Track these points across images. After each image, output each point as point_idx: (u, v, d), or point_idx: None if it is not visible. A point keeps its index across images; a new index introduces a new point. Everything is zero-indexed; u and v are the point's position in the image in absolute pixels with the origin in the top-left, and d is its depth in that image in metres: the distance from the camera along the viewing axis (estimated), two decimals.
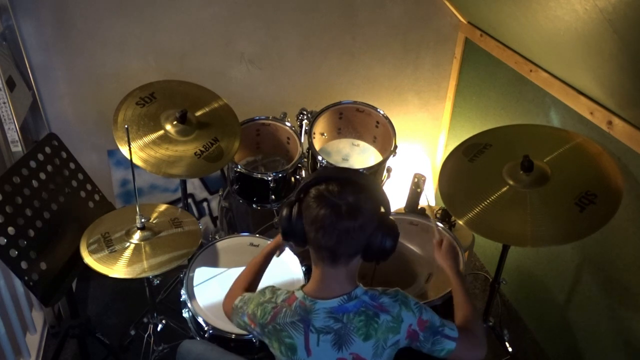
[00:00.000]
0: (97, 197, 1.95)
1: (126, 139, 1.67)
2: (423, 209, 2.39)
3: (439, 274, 1.95)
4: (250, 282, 1.48)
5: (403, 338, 1.21)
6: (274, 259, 1.96)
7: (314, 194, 1.17)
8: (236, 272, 1.87)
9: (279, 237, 1.57)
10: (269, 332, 1.23)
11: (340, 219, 1.13)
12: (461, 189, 1.76)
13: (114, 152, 2.57)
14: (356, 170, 1.29)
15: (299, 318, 1.20)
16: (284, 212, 1.24)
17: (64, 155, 1.87)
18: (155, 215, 1.81)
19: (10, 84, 2.03)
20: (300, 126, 2.31)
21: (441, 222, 2.05)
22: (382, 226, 1.19)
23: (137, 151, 1.89)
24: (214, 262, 1.92)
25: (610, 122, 1.77)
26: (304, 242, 1.23)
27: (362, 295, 1.21)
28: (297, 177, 2.28)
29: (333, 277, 1.21)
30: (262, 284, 1.81)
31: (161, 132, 1.98)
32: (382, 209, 1.23)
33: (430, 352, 1.24)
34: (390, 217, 1.24)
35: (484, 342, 1.29)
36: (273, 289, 1.30)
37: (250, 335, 1.65)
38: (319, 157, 2.18)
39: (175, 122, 2.00)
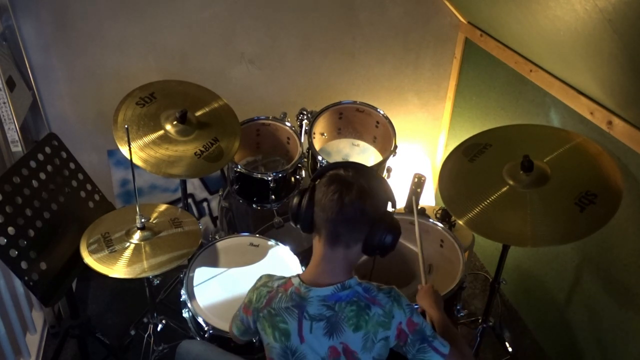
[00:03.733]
0: (97, 197, 1.95)
1: (126, 139, 1.67)
2: (423, 209, 2.39)
3: (440, 267, 1.96)
4: None
5: (393, 336, 1.21)
6: (273, 258, 1.96)
7: (330, 174, 1.22)
8: (236, 272, 1.88)
9: None
10: (263, 316, 1.25)
11: (348, 194, 1.17)
12: (461, 189, 1.76)
13: (114, 152, 2.57)
14: (373, 168, 1.34)
15: (294, 304, 1.21)
16: (297, 196, 1.27)
17: (64, 155, 1.87)
18: (155, 215, 1.81)
19: (10, 84, 2.03)
20: (300, 126, 2.31)
21: (441, 222, 2.05)
22: (386, 221, 1.22)
23: (137, 151, 1.89)
24: (214, 262, 1.92)
25: (610, 122, 1.77)
26: (310, 226, 1.25)
27: (355, 286, 1.22)
28: (297, 177, 2.28)
29: (330, 261, 1.22)
30: None
31: (161, 132, 1.98)
32: (389, 208, 1.27)
33: (413, 359, 1.24)
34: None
35: None
36: (269, 275, 1.33)
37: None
38: (319, 157, 2.18)
39: (175, 122, 2.00)
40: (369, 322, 1.19)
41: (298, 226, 1.28)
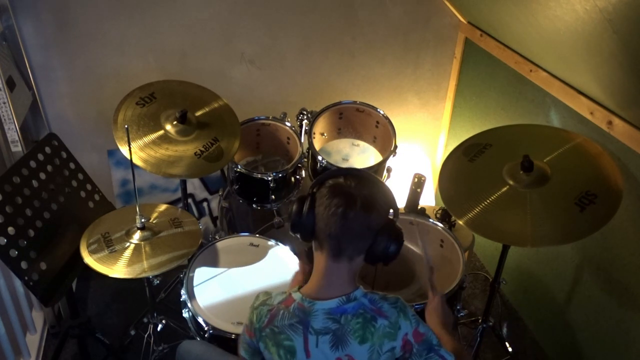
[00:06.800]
0: (97, 197, 1.95)
1: (126, 139, 1.67)
2: (423, 209, 2.39)
3: (440, 268, 1.95)
4: None
5: (399, 347, 1.19)
6: (273, 258, 1.96)
7: (330, 184, 1.18)
8: (236, 272, 1.88)
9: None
10: (266, 335, 1.21)
11: (352, 209, 1.13)
12: (461, 189, 1.76)
13: (114, 152, 2.57)
14: (371, 173, 1.29)
15: (298, 320, 1.19)
16: (296, 204, 1.22)
17: (64, 155, 1.87)
18: (155, 215, 1.81)
19: (10, 84, 2.03)
20: (300, 126, 2.31)
21: (441, 222, 2.05)
22: (390, 229, 1.18)
23: (137, 151, 1.89)
24: (214, 262, 1.92)
25: (610, 122, 1.77)
26: (312, 235, 1.21)
27: (361, 298, 1.20)
28: (297, 177, 2.28)
29: (334, 274, 1.20)
30: (262, 285, 1.82)
31: (161, 132, 1.98)
32: (391, 215, 1.23)
33: None
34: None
35: None
36: (266, 292, 1.28)
37: None
38: (319, 157, 2.18)
39: (175, 122, 2.00)
40: (374, 334, 1.17)
41: (297, 235, 1.24)
